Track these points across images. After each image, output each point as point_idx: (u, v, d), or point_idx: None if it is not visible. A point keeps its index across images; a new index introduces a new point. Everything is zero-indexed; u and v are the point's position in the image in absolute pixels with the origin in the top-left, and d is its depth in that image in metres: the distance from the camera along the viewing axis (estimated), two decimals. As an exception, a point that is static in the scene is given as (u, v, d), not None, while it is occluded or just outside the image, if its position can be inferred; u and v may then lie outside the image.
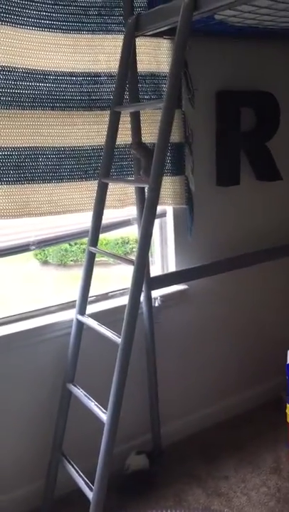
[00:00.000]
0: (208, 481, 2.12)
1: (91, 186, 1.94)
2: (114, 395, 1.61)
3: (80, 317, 1.88)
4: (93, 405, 1.73)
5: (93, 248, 1.86)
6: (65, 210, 1.89)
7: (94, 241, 1.87)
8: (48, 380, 1.99)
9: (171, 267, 2.30)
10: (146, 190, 1.97)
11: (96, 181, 1.90)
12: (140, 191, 2.00)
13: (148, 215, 1.58)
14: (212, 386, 2.52)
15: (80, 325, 1.90)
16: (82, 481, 1.77)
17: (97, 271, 1.92)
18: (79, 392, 1.85)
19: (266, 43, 2.28)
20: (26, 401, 1.97)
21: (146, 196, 1.91)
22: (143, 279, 1.61)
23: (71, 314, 1.98)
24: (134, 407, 2.15)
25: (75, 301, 2.04)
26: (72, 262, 3.78)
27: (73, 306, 2.04)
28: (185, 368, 2.40)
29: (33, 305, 2.02)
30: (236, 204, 2.44)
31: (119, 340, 1.62)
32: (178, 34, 1.54)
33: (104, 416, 1.64)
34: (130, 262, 1.62)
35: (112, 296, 2.18)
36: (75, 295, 1.94)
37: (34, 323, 1.95)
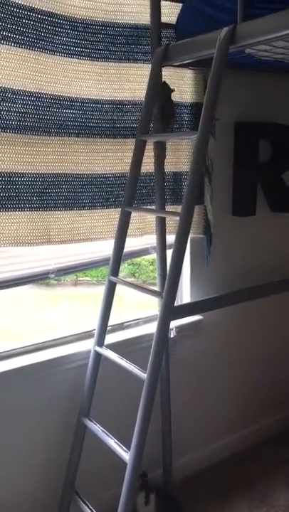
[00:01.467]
0: (222, 522, 2.05)
1: (112, 214, 1.90)
2: (138, 433, 1.55)
3: (98, 349, 1.82)
4: (113, 443, 1.66)
5: (114, 278, 1.81)
6: (86, 238, 1.85)
7: (115, 270, 1.82)
8: (61, 413, 1.92)
9: (186, 297, 2.26)
10: (166, 219, 1.96)
11: (117, 209, 1.87)
12: (161, 220, 1.97)
13: (178, 245, 1.54)
14: (222, 419, 2.47)
15: (98, 357, 1.84)
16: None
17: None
18: (95, 428, 1.78)
19: (284, 76, 2.29)
20: (38, 435, 1.89)
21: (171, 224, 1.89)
22: (171, 313, 1.56)
23: (87, 345, 1.93)
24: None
25: (91, 331, 2.00)
26: (55, 282, 3.74)
27: (89, 336, 1.99)
28: (197, 399, 2.34)
29: (47, 335, 1.96)
30: (252, 235, 2.42)
31: (144, 375, 1.57)
32: (213, 67, 1.53)
33: (126, 455, 1.57)
34: (158, 294, 1.57)
35: (128, 327, 2.13)
36: (81, 322, 1.89)
37: (49, 354, 1.88)
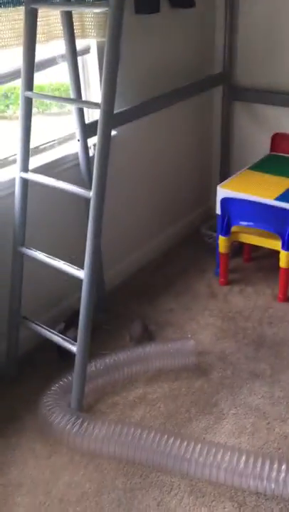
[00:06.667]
0: (156, 317, 2.26)
1: (10, 15, 1.59)
2: (90, 252, 1.55)
3: (24, 174, 1.69)
4: (62, 264, 1.67)
5: (30, 93, 1.61)
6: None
7: (29, 84, 1.61)
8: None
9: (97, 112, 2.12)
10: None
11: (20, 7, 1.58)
12: (68, 21, 1.70)
13: (111, 55, 1.38)
14: (140, 228, 2.58)
15: (25, 183, 1.72)
16: (59, 339, 1.74)
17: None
18: (37, 254, 1.75)
19: None
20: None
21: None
22: (111, 125, 1.47)
23: (9, 173, 1.78)
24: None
25: (8, 157, 1.84)
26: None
27: (8, 164, 1.83)
28: (115, 213, 2.37)
29: None
30: (157, 34, 2.26)
31: (89, 193, 1.52)
32: None
33: (80, 274, 1.59)
34: (95, 105, 1.45)
35: (44, 150, 1.98)
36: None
37: None
